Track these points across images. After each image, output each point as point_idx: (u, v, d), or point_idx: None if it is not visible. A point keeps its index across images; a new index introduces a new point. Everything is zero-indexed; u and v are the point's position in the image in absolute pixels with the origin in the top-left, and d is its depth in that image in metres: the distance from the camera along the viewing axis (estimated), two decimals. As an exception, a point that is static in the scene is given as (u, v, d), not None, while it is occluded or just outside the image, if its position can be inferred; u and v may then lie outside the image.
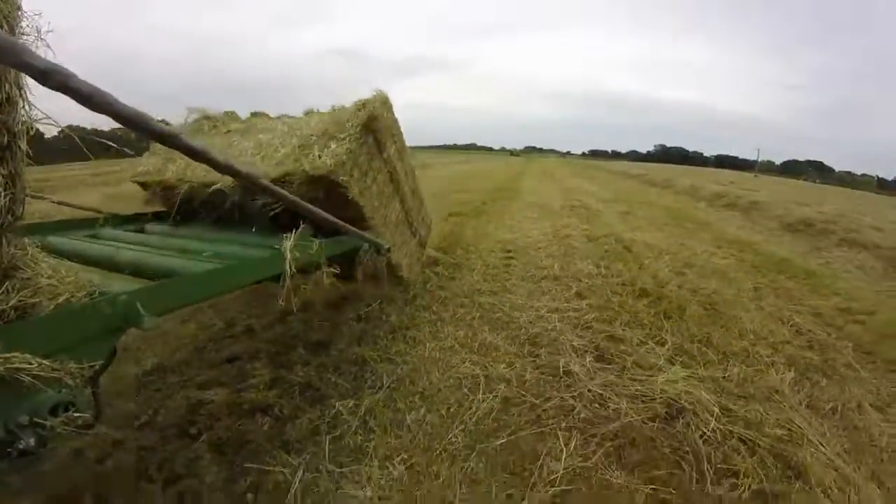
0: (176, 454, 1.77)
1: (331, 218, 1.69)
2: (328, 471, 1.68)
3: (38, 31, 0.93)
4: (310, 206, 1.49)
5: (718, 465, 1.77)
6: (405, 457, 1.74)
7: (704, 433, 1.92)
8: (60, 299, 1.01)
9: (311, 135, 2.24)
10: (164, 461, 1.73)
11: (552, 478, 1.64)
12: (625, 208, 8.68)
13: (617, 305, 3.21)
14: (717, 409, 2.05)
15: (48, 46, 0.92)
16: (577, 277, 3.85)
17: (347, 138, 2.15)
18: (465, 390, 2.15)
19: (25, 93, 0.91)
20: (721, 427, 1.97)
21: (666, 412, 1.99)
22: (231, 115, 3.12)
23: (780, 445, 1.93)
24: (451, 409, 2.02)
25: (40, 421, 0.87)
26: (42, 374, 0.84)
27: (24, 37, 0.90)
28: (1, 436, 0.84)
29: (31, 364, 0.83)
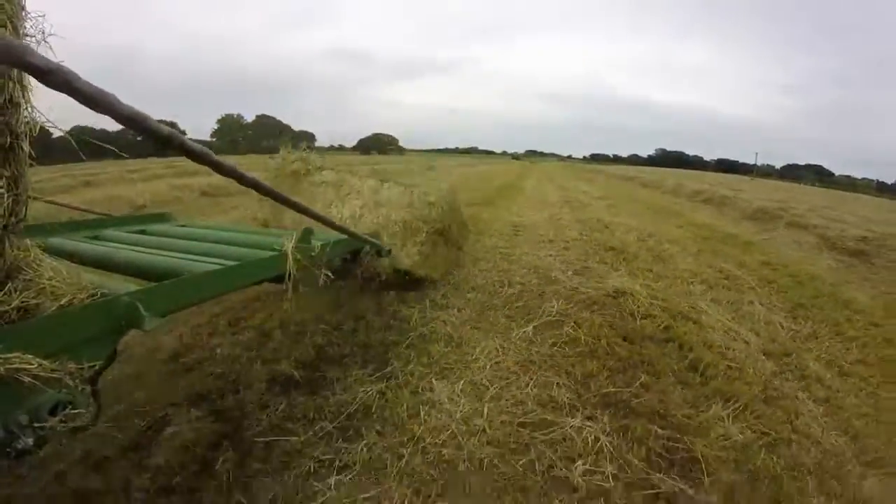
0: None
1: (330, 220, 1.77)
2: (430, 312, 3.18)
3: (43, 33, 0.95)
4: (308, 208, 1.51)
5: (643, 314, 3.27)
6: (471, 307, 3.27)
7: (637, 304, 3.43)
8: (63, 300, 1.03)
9: (395, 222, 2.93)
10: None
11: (550, 313, 3.17)
12: (611, 202, 10.28)
13: (591, 253, 4.76)
14: (646, 294, 3.57)
15: (50, 48, 0.93)
16: (566, 240, 5.41)
17: (421, 242, 2.98)
18: (497, 286, 3.69)
19: (29, 94, 0.92)
20: (647, 302, 3.48)
21: (614, 292, 3.52)
22: (316, 159, 3.51)
23: (685, 311, 3.43)
24: (491, 293, 3.56)
25: (40, 422, 0.89)
26: (42, 374, 0.85)
27: (28, 38, 0.93)
28: (0, 436, 0.86)
29: (31, 364, 0.84)
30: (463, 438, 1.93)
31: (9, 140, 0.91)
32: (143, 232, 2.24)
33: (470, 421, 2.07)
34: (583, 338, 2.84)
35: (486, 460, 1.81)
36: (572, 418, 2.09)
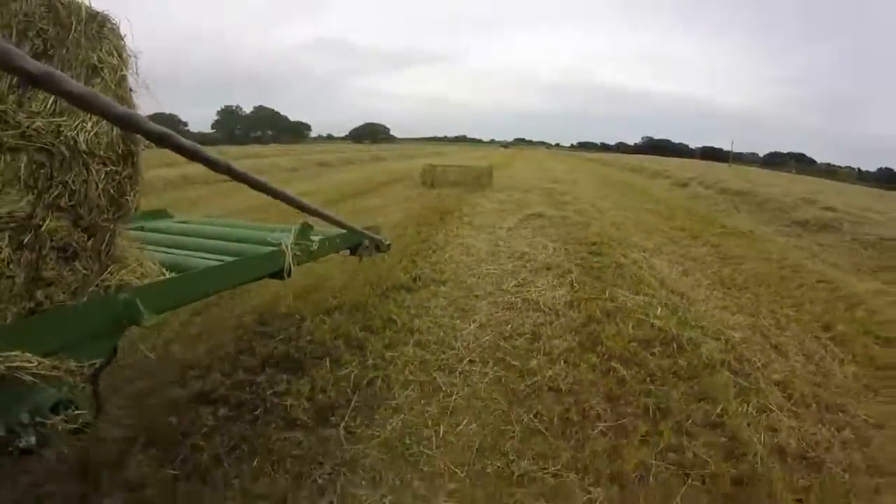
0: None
1: (329, 215, 1.84)
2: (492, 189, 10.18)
3: (135, 56, 1.15)
4: (309, 204, 1.58)
5: (557, 189, 10.28)
6: (501, 188, 10.32)
7: (557, 190, 10.43)
8: (146, 280, 1.23)
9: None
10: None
11: (526, 188, 10.21)
12: (568, 171, 17.50)
13: (544, 181, 11.87)
14: (560, 188, 10.58)
15: (136, 73, 1.17)
16: (534, 179, 12.52)
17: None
18: (505, 186, 10.73)
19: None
20: (560, 190, 10.48)
21: (549, 187, 10.55)
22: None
23: (576, 192, 10.46)
24: (503, 187, 10.60)
25: (41, 420, 0.94)
26: (42, 372, 0.90)
27: (133, 58, 1.17)
28: (2, 434, 0.90)
29: (30, 363, 0.89)
30: (503, 190, 8.92)
31: (132, 146, 1.15)
32: (141, 228, 2.30)
33: (505, 200, 9.01)
34: (537, 191, 9.90)
35: (511, 198, 8.75)
36: (527, 196, 9.11)
